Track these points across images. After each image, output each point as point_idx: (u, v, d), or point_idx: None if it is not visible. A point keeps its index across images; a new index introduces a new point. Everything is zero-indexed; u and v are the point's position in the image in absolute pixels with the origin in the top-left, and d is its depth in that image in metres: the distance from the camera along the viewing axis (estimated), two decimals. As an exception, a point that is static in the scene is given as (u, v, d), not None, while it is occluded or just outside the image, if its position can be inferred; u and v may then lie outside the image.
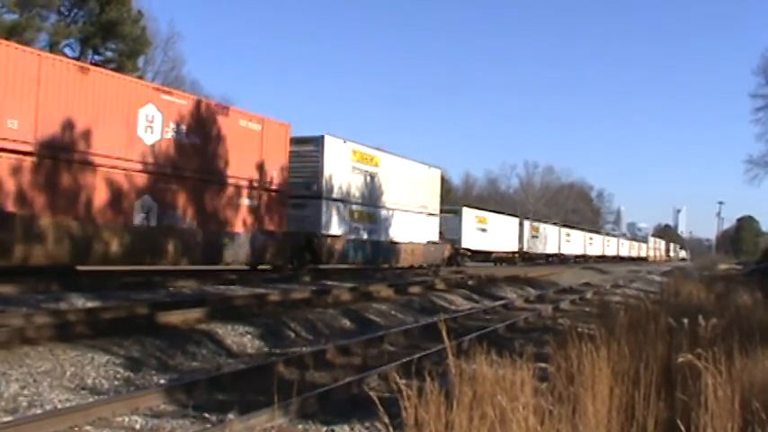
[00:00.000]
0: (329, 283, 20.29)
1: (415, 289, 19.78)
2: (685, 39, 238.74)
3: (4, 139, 14.09)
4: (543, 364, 5.23)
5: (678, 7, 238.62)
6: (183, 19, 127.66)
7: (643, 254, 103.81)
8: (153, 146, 17.48)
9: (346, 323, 13.73)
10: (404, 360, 8.79)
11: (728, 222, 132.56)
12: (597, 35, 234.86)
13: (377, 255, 27.97)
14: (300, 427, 6.28)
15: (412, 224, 30.65)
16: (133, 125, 16.94)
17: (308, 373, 8.73)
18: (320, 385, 7.77)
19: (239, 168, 20.19)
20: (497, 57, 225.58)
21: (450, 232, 37.43)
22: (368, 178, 27.23)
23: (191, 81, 50.77)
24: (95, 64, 37.58)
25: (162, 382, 8.18)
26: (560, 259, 58.67)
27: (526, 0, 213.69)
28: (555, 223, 64.76)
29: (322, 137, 24.50)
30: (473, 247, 42.05)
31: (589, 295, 23.52)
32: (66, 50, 39.98)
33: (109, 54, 40.62)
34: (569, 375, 4.92)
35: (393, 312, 15.66)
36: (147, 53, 43.67)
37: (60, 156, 15.23)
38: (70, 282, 14.70)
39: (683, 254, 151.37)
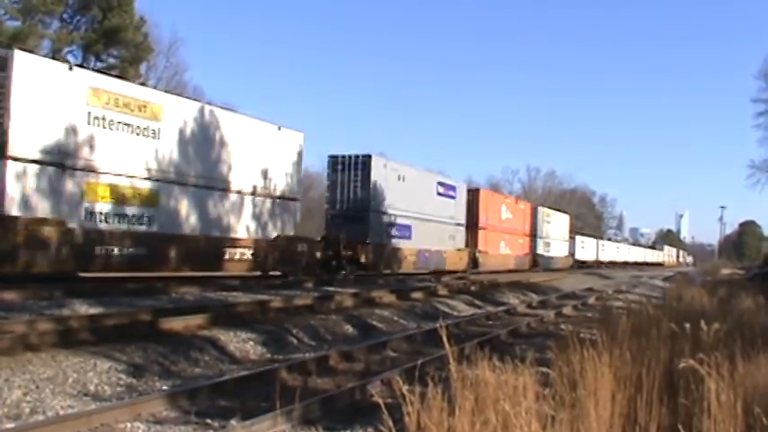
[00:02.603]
0: (331, 289, 20.29)
1: (417, 295, 19.75)
2: (688, 44, 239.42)
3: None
4: (545, 370, 5.21)
5: (680, 12, 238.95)
6: (185, 25, 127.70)
7: (660, 260, 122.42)
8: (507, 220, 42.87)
9: (349, 329, 13.72)
10: (406, 366, 8.77)
11: (731, 227, 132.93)
12: (600, 40, 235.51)
13: (551, 264, 51.17)
14: (303, 433, 6.27)
15: (560, 246, 56.26)
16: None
17: (310, 380, 8.72)
18: (323, 391, 7.77)
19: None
20: (499, 61, 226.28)
21: (570, 248, 61.15)
22: (547, 224, 52.01)
23: (193, 87, 50.79)
24: (99, 71, 37.63)
25: (164, 388, 8.17)
26: (613, 264, 79.15)
27: (529, 4, 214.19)
28: (610, 239, 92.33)
29: (537, 207, 51.63)
30: (580, 258, 64.18)
31: (591, 300, 23.47)
32: (69, 57, 40.12)
33: (111, 60, 40.67)
34: (572, 381, 4.92)
35: (395, 318, 15.64)
36: (149, 59, 43.71)
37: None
38: (73, 288, 14.72)
39: (689, 259, 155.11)
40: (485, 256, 37.48)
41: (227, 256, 20.75)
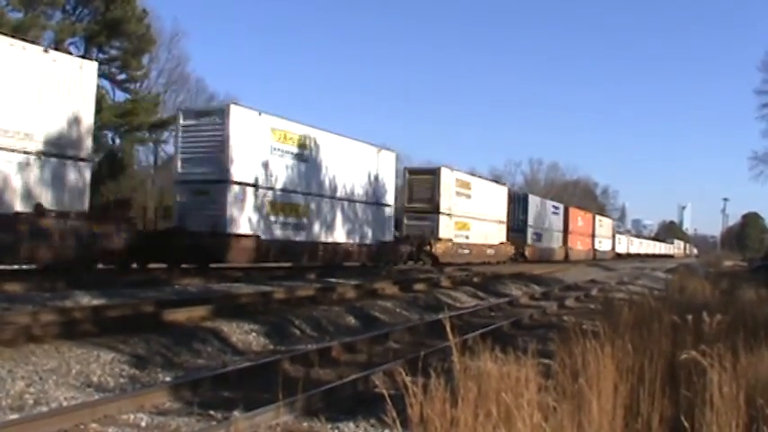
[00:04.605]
0: (333, 280, 20.30)
1: (419, 286, 19.75)
2: (691, 35, 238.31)
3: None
4: (547, 361, 5.22)
5: (682, 3, 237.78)
6: (187, 16, 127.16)
7: (671, 252, 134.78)
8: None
9: (351, 320, 13.73)
10: (408, 357, 8.77)
11: (733, 219, 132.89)
12: (602, 33, 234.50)
13: (603, 256, 65.99)
14: (305, 424, 6.28)
15: (607, 242, 72.73)
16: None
17: (313, 371, 8.74)
18: (325, 382, 7.78)
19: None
20: (502, 54, 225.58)
21: (612, 244, 79.07)
22: (600, 227, 67.35)
23: (195, 79, 50.69)
24: (101, 62, 37.58)
25: (167, 379, 8.20)
26: (639, 256, 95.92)
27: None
28: (637, 235, 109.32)
29: (595, 215, 70.88)
30: (618, 251, 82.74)
31: (594, 292, 23.47)
32: (71, 49, 40.00)
33: (113, 52, 40.56)
34: (574, 372, 4.91)
35: (398, 310, 15.65)
36: (151, 51, 43.54)
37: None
38: (76, 280, 14.75)
39: (695, 251, 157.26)
40: (571, 250, 56.86)
41: (490, 251, 39.61)
